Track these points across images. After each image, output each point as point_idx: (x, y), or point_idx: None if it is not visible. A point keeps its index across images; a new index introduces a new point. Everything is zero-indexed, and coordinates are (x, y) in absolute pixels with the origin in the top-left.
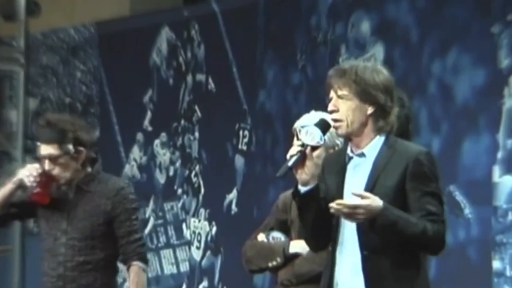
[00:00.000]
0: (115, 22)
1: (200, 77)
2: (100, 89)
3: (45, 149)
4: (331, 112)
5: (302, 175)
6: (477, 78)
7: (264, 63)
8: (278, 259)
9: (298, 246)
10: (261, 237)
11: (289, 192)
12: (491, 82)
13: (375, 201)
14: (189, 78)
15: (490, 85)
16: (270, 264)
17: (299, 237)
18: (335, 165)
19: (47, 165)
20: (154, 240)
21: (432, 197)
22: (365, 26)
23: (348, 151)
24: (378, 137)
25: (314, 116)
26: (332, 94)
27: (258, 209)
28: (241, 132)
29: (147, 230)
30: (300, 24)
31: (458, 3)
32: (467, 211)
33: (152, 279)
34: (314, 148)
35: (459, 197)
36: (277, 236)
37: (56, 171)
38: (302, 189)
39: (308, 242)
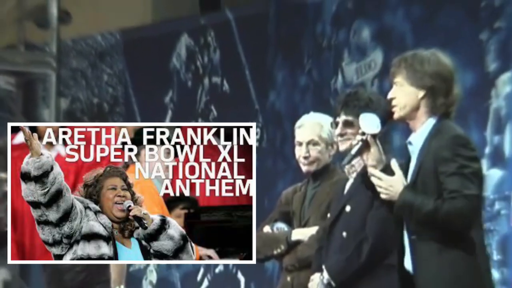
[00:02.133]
0: (138, 30)
1: (216, 79)
2: (125, 91)
3: None
4: (391, 98)
5: (369, 161)
6: (467, 81)
7: (274, 66)
8: (282, 247)
9: (300, 233)
10: (266, 228)
11: (290, 189)
12: (479, 84)
13: (397, 183)
14: (206, 80)
15: (478, 87)
16: (275, 252)
17: (300, 226)
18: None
19: None
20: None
21: (454, 176)
22: (366, 33)
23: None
24: (430, 119)
25: (312, 116)
26: (392, 82)
27: (268, 200)
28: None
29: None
30: (307, 31)
31: (449, 12)
32: None
33: (173, 264)
34: (374, 135)
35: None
36: (281, 226)
37: None
38: (374, 179)
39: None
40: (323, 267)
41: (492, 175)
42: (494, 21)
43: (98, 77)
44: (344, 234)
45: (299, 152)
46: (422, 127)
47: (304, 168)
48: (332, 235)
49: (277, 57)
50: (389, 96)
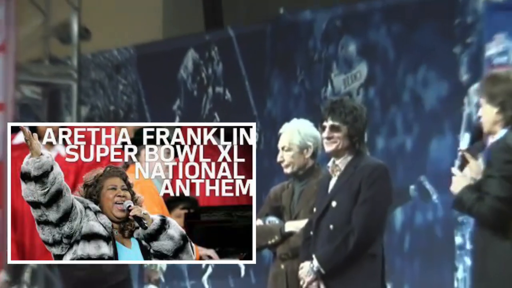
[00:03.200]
0: (150, 45)
1: (219, 89)
2: (138, 99)
3: None
4: (479, 117)
5: (473, 173)
6: (442, 90)
7: (270, 77)
8: (276, 237)
9: (293, 226)
10: (259, 222)
11: (278, 186)
12: (453, 93)
13: (460, 181)
14: (210, 90)
15: (452, 95)
16: (269, 242)
17: (291, 219)
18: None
19: None
20: None
21: (492, 180)
22: (352, 48)
23: None
24: (503, 131)
25: (291, 123)
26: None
27: (265, 195)
28: None
29: None
30: (300, 46)
31: (426, 29)
32: (434, 197)
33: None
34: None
35: (428, 185)
36: (272, 219)
37: None
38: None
39: None
40: (313, 256)
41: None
42: (466, 37)
43: (114, 87)
44: (331, 227)
45: (278, 158)
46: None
47: (284, 171)
48: (320, 228)
49: (273, 69)
50: (478, 114)
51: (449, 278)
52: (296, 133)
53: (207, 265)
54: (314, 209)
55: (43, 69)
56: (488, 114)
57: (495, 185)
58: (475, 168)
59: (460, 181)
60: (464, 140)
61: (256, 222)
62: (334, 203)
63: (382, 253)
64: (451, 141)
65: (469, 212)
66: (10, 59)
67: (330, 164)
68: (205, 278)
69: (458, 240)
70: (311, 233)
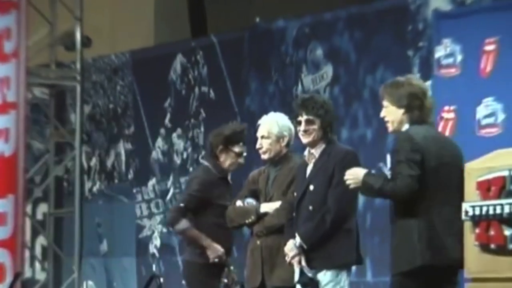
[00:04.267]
0: (144, 50)
1: (204, 89)
2: (133, 98)
3: None
4: (383, 117)
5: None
6: None
7: (249, 78)
8: (253, 217)
9: (267, 207)
10: (238, 203)
11: (256, 171)
12: None
13: (357, 172)
14: (196, 89)
15: None
16: (246, 221)
17: (266, 201)
18: None
19: None
20: (174, 203)
21: (402, 164)
22: (319, 52)
23: None
24: (406, 125)
25: (269, 116)
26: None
27: (245, 180)
28: None
29: (168, 197)
30: (274, 50)
31: (383, 35)
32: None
33: (173, 231)
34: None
35: (386, 171)
36: (250, 201)
37: None
38: None
39: None
40: (296, 234)
41: None
42: (418, 41)
43: (113, 87)
44: (310, 207)
45: (256, 145)
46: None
47: (261, 157)
48: (300, 210)
49: (251, 71)
50: (381, 115)
51: None
52: (275, 123)
53: None
54: (295, 194)
55: (50, 73)
56: (394, 114)
57: (405, 167)
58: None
59: (358, 170)
60: None
61: (236, 203)
62: (311, 187)
63: (356, 228)
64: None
65: (379, 192)
66: (22, 64)
67: (306, 153)
68: None
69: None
70: (293, 214)
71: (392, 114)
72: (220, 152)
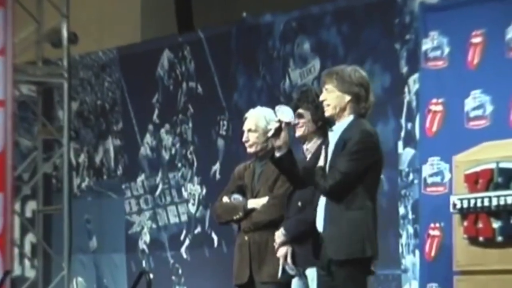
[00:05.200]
0: (131, 46)
1: (192, 84)
2: (121, 94)
3: None
4: (322, 100)
5: (277, 142)
6: (385, 80)
7: (236, 73)
8: (240, 213)
9: (254, 203)
10: (225, 199)
11: (241, 166)
12: (395, 83)
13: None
14: (184, 85)
15: (394, 85)
16: (234, 217)
17: (252, 196)
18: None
19: None
20: (162, 199)
21: (345, 156)
22: (306, 46)
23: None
24: (351, 117)
25: (255, 110)
26: (323, 88)
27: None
28: (221, 122)
29: (157, 193)
30: (261, 45)
31: (370, 28)
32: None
33: (162, 227)
34: (287, 123)
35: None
36: (237, 197)
37: None
38: (277, 154)
39: (292, 185)
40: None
41: (406, 153)
42: (405, 34)
43: (100, 84)
44: (299, 203)
45: (243, 138)
46: (343, 121)
47: (247, 150)
48: (291, 203)
49: (239, 66)
50: (321, 98)
51: (394, 243)
52: (262, 117)
53: (185, 237)
54: (281, 189)
55: (37, 70)
56: (339, 100)
57: (350, 163)
58: (284, 139)
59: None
60: (284, 113)
61: (223, 199)
62: None
63: None
64: (394, 125)
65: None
66: (9, 61)
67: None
68: (183, 249)
69: (401, 210)
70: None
71: (336, 99)
72: None
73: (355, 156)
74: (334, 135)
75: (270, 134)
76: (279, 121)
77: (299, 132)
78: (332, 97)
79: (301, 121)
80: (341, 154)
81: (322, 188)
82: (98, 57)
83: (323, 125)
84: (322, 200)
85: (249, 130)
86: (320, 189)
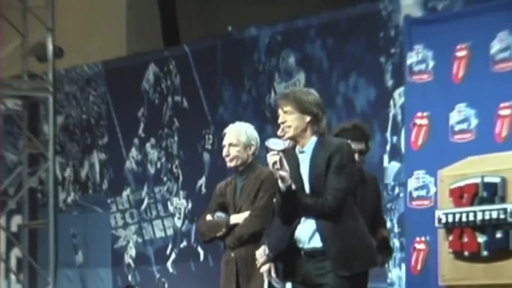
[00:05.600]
0: (116, 60)
1: (177, 98)
2: (107, 108)
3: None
4: (282, 122)
5: (282, 172)
6: (371, 94)
7: (222, 87)
8: (223, 229)
9: (236, 218)
10: (209, 217)
11: (223, 183)
12: (380, 97)
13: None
14: (169, 99)
15: (379, 99)
16: (217, 234)
17: (235, 212)
18: (292, 162)
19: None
20: (148, 213)
21: (337, 173)
22: (292, 59)
23: (296, 150)
24: (314, 137)
25: (235, 125)
26: (280, 111)
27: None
28: (206, 136)
29: (143, 207)
30: (246, 58)
31: (355, 42)
32: None
33: (148, 241)
34: (282, 151)
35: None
36: (220, 215)
37: None
38: (283, 186)
39: (284, 220)
40: (265, 242)
41: (392, 166)
42: (390, 48)
43: (86, 98)
44: None
45: (223, 152)
46: (307, 141)
47: (228, 164)
48: (275, 217)
49: (224, 79)
50: (280, 120)
51: None
52: (243, 131)
53: (171, 251)
54: (263, 200)
55: (23, 84)
56: (299, 121)
57: (341, 181)
58: (286, 167)
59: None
60: (276, 143)
61: (206, 218)
62: None
63: None
64: (379, 139)
65: (315, 209)
66: None
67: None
68: (169, 263)
69: (387, 224)
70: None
71: (297, 120)
72: None
73: (346, 170)
74: (305, 156)
75: (275, 166)
76: (278, 152)
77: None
78: (292, 119)
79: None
80: (330, 171)
81: (327, 208)
82: (83, 71)
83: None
84: (309, 219)
85: (230, 144)
86: (321, 209)
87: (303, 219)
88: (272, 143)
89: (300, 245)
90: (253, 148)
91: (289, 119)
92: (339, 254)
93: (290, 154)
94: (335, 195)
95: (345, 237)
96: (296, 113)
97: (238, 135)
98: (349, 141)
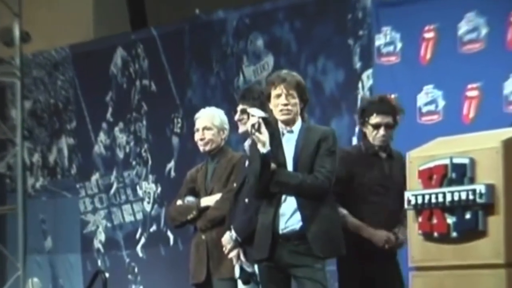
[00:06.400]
0: (84, 44)
1: (145, 82)
2: (75, 93)
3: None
4: (285, 104)
5: (262, 137)
6: (339, 76)
7: (190, 70)
8: (194, 212)
9: (207, 200)
10: (179, 202)
11: (193, 169)
12: (349, 79)
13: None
14: (138, 83)
15: (348, 81)
16: (188, 217)
17: (207, 195)
18: (275, 139)
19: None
20: (117, 198)
21: (328, 157)
22: (260, 42)
23: (282, 130)
24: (300, 121)
25: (207, 109)
26: (278, 91)
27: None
28: (175, 120)
29: (112, 191)
30: (214, 42)
31: (323, 24)
32: None
33: (117, 226)
34: (264, 118)
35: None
36: (190, 199)
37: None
38: (263, 150)
39: (258, 192)
40: (231, 226)
41: None
42: (358, 30)
43: (53, 83)
44: (246, 200)
45: (197, 136)
46: (297, 124)
47: (201, 148)
48: (238, 201)
49: (192, 63)
50: (285, 102)
51: None
52: (216, 116)
53: (140, 236)
54: (234, 184)
55: None
56: (297, 107)
57: (330, 164)
58: (266, 135)
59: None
60: (256, 111)
61: (177, 203)
62: (247, 179)
63: None
64: (348, 121)
65: (300, 186)
66: None
67: (246, 144)
68: (139, 247)
69: None
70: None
71: (296, 105)
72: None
73: (335, 156)
74: (292, 136)
75: (253, 128)
76: (259, 117)
77: (243, 128)
78: (294, 103)
79: (245, 117)
80: (322, 153)
81: (318, 186)
82: (50, 55)
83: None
84: (289, 198)
85: (205, 128)
86: (312, 186)
87: (282, 199)
88: (254, 110)
89: (277, 227)
90: (226, 132)
91: (292, 102)
92: (316, 236)
93: (273, 129)
94: (328, 177)
95: (323, 221)
96: (297, 97)
97: (212, 119)
98: (375, 114)
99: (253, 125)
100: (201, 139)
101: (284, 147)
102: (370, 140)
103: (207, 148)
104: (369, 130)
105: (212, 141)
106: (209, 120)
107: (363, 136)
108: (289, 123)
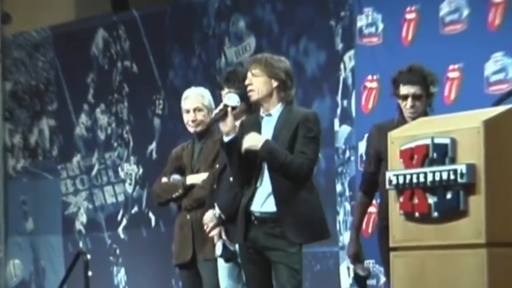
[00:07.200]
0: (65, 26)
1: (127, 63)
2: (56, 74)
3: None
4: (248, 85)
5: (224, 127)
6: (321, 58)
7: (172, 52)
8: (180, 190)
9: (193, 178)
10: (164, 179)
11: (179, 147)
12: (331, 60)
13: (258, 136)
14: (119, 64)
15: (330, 62)
16: (174, 195)
17: (193, 174)
18: (253, 124)
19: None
20: (99, 179)
21: (309, 142)
22: (242, 24)
23: (261, 113)
24: (280, 104)
25: (194, 89)
26: (249, 73)
27: (169, 157)
28: (157, 102)
29: (94, 173)
30: (196, 23)
31: (305, 5)
32: None
33: (98, 207)
34: (233, 108)
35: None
36: (176, 177)
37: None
38: (226, 139)
39: (235, 179)
40: (215, 204)
41: (343, 130)
42: (340, 11)
43: (35, 64)
44: (231, 178)
45: (188, 117)
46: (276, 108)
47: (191, 130)
48: (221, 181)
49: (174, 44)
50: (247, 82)
51: (332, 220)
52: (206, 96)
53: (122, 217)
54: (217, 165)
55: None
56: (266, 85)
57: (312, 147)
58: (230, 124)
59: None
60: (230, 97)
61: (162, 180)
62: None
63: None
64: (330, 102)
65: (286, 160)
66: None
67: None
68: (120, 229)
69: (338, 188)
70: (215, 186)
71: (263, 84)
72: None
73: (317, 141)
74: (271, 119)
75: (213, 116)
76: (225, 105)
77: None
78: (258, 82)
79: None
80: (302, 136)
81: (305, 167)
82: (31, 36)
83: (252, 104)
84: (266, 181)
85: (195, 109)
86: (303, 165)
87: (259, 182)
88: (227, 97)
89: (252, 209)
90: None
91: (255, 81)
92: (292, 220)
93: (250, 117)
94: (311, 160)
95: (298, 205)
96: (264, 76)
97: (202, 99)
98: (401, 85)
99: (217, 113)
100: (193, 121)
101: (263, 131)
102: (404, 113)
103: (198, 129)
104: (401, 102)
105: (203, 122)
106: (199, 101)
107: (399, 109)
108: (262, 105)
